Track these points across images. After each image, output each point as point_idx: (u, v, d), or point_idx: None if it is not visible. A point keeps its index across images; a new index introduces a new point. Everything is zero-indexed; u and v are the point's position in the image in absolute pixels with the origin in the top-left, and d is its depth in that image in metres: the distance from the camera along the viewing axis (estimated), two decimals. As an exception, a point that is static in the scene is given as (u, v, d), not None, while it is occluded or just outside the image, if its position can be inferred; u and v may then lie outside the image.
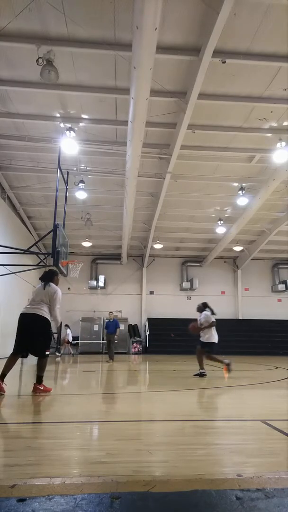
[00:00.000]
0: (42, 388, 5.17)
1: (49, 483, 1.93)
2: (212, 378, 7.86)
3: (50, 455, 2.48)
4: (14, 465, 2.29)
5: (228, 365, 8.03)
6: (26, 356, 5.26)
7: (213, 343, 8.17)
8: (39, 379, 5.23)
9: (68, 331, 18.38)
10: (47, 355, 5.37)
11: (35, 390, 5.14)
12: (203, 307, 8.51)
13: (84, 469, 2.25)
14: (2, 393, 4.85)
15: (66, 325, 18.62)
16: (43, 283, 5.41)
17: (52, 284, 5.41)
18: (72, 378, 8.70)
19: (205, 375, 7.94)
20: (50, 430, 3.31)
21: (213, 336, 8.19)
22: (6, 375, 5.02)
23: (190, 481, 1.98)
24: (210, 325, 8.18)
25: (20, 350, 5.13)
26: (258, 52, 8.03)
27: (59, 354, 17.16)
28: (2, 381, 4.93)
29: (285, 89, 9.12)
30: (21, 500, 1.74)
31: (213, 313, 8.43)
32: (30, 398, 4.87)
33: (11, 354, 5.12)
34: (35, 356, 5.26)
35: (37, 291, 5.40)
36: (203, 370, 8.01)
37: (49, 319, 5.27)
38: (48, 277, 5.49)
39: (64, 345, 18.19)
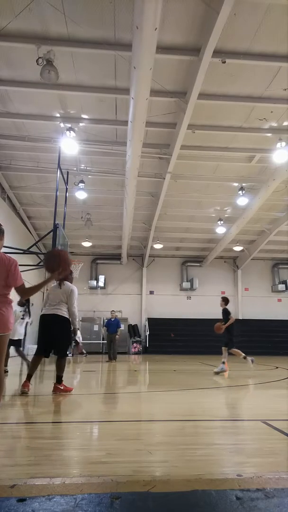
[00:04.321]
0: (62, 387, 5.26)
1: (49, 483, 1.93)
2: (211, 378, 7.86)
3: (50, 455, 2.48)
4: (14, 465, 2.29)
5: None
6: (48, 356, 5.37)
7: (14, 340, 7.68)
8: (59, 379, 5.31)
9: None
10: (67, 355, 5.43)
11: (56, 389, 5.23)
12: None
13: (84, 469, 2.25)
14: (27, 391, 4.99)
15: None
16: (58, 282, 5.45)
17: (67, 283, 5.48)
18: (71, 378, 8.69)
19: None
20: (50, 430, 3.31)
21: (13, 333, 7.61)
22: (32, 375, 5.18)
23: (190, 481, 1.98)
24: None
25: (43, 351, 5.25)
26: (258, 52, 8.03)
27: (85, 353, 16.98)
28: (29, 381, 5.09)
29: (285, 89, 9.12)
30: (21, 500, 1.74)
31: (28, 311, 7.93)
32: (30, 398, 4.87)
33: (34, 355, 5.26)
34: (57, 355, 5.36)
35: (53, 291, 5.42)
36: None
37: (69, 319, 5.35)
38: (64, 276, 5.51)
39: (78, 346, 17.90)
